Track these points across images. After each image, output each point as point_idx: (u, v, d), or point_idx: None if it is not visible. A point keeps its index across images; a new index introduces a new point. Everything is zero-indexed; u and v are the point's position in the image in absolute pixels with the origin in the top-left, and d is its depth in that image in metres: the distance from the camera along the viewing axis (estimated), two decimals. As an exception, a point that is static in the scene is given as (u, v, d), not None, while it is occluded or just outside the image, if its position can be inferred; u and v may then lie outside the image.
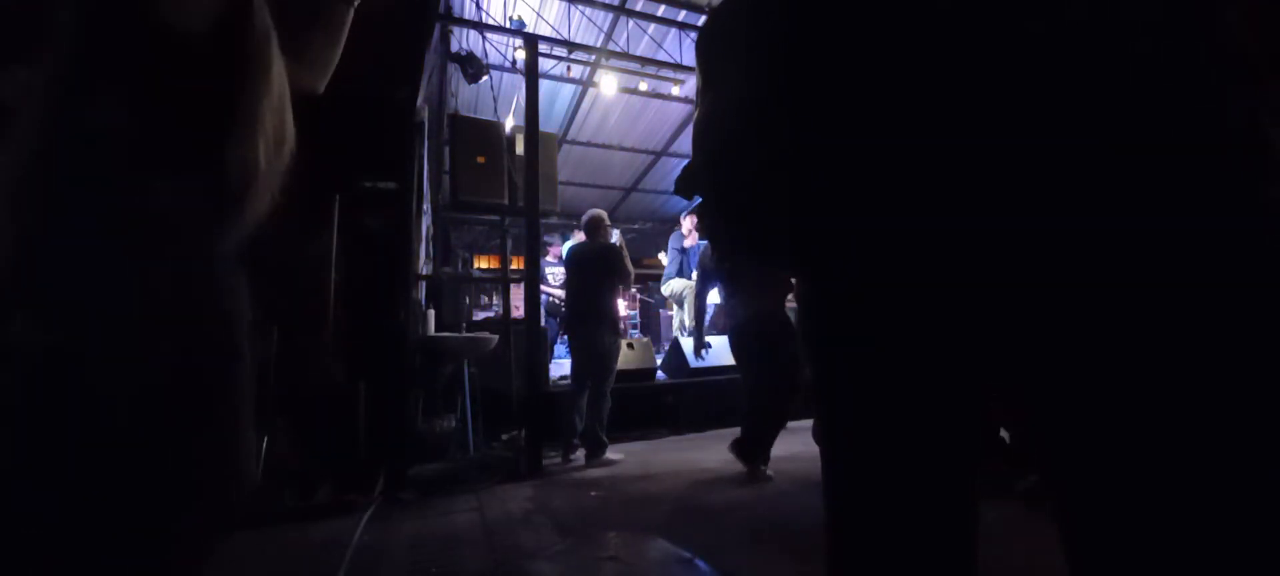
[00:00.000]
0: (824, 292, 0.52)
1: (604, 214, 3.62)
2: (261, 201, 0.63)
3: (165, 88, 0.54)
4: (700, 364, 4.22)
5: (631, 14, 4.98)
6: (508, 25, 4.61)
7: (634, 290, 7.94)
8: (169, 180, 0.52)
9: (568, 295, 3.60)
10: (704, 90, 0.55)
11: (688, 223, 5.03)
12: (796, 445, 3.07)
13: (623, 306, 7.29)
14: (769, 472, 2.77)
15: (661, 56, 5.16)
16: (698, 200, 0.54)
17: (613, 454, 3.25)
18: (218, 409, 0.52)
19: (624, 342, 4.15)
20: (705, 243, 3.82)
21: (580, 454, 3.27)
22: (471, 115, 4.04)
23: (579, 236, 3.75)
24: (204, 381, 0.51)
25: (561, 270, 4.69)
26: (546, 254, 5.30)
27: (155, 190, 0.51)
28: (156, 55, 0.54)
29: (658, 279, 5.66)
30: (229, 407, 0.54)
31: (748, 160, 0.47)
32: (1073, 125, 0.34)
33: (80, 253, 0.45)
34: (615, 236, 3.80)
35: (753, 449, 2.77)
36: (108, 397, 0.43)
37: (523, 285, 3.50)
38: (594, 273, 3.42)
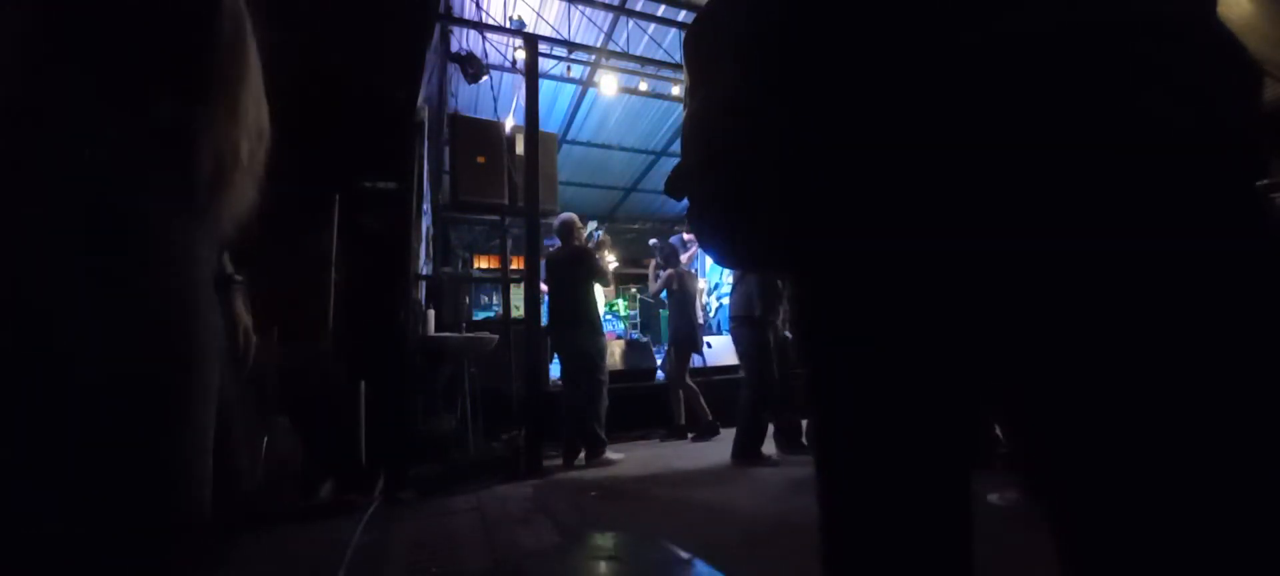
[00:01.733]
0: (823, 293, 0.52)
1: (575, 217, 3.63)
2: (244, 195, 0.60)
3: (138, 76, 0.51)
4: (700, 364, 4.22)
5: (631, 14, 4.97)
6: (508, 25, 4.60)
7: (634, 289, 7.94)
8: (143, 177, 0.50)
9: (549, 302, 3.61)
10: (693, 90, 0.54)
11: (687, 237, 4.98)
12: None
13: (620, 314, 7.26)
14: (775, 458, 2.98)
15: (661, 56, 5.15)
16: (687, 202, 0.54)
17: (613, 454, 3.25)
18: (194, 411, 0.51)
19: (623, 342, 4.15)
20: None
21: (581, 455, 3.28)
22: (471, 115, 4.04)
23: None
24: (176, 383, 0.49)
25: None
26: (546, 254, 5.29)
27: (128, 188, 0.49)
28: (129, 41, 0.51)
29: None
30: (206, 410, 0.52)
31: (743, 160, 0.47)
32: (1074, 124, 0.34)
33: (46, 254, 0.44)
34: (597, 237, 3.81)
35: (754, 446, 3.00)
36: (78, 399, 0.43)
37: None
38: (569, 276, 3.44)
